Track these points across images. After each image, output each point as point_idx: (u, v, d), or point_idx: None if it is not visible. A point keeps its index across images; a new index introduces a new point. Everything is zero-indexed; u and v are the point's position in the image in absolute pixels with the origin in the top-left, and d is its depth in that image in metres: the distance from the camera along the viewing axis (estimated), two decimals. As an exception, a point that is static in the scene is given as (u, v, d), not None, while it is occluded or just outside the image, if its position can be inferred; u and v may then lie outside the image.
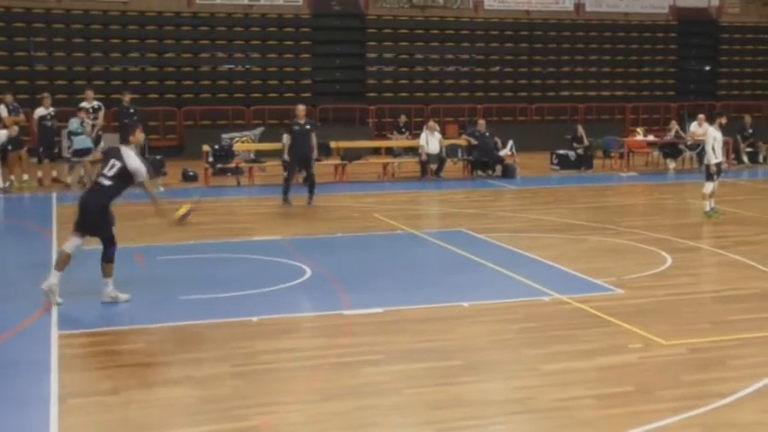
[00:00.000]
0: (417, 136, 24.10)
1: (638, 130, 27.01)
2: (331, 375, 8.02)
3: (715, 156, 16.40)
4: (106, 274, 10.32)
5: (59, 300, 10.08)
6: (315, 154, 18.76)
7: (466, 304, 10.34)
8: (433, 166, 22.97)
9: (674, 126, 25.72)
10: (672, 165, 24.85)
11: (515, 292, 10.98)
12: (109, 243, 10.28)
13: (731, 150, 25.97)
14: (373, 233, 15.18)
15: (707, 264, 13.06)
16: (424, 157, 22.95)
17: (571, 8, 31.92)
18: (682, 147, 24.92)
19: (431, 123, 23.90)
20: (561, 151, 25.04)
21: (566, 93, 31.68)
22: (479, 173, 23.67)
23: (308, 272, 11.89)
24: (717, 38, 33.70)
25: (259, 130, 25.81)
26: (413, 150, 24.09)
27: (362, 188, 21.09)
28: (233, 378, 7.96)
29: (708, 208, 16.50)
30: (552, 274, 11.87)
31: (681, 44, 33.25)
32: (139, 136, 10.60)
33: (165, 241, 13.95)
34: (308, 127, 18.77)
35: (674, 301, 10.64)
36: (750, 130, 26.27)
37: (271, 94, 29.08)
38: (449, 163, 23.48)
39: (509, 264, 12.41)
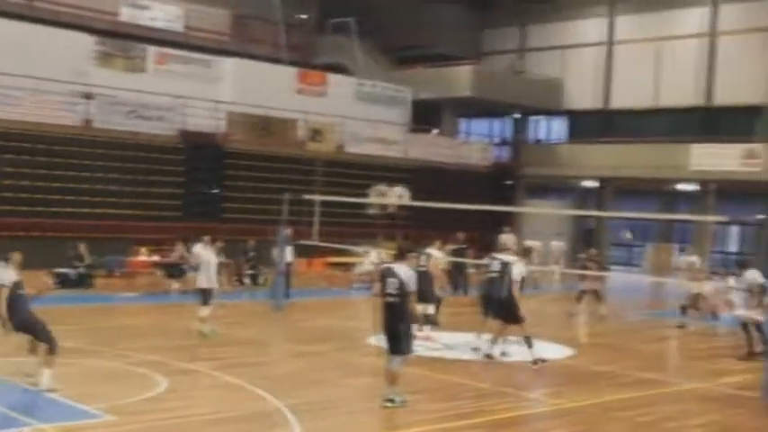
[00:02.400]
0: None
1: (143, 249, 27.05)
2: None
3: (208, 279, 16.90)
4: None
5: None
6: None
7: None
8: None
9: (179, 247, 26.11)
10: (175, 285, 25.11)
11: (-7, 422, 10.20)
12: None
13: (233, 273, 27.00)
14: None
15: (201, 386, 13.18)
16: None
17: (79, 123, 31.50)
18: (185, 267, 25.25)
19: None
20: (62, 269, 24.27)
21: (70, 209, 30.92)
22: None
23: None
24: (223, 163, 35.09)
25: None
26: None
27: None
28: None
29: (206, 330, 16.81)
30: (36, 402, 11.22)
31: (189, 167, 34.11)
32: None
33: None
34: None
35: (166, 426, 10.57)
36: (252, 253, 27.46)
37: None
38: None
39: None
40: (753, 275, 18.34)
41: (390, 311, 11.83)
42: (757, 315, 17.79)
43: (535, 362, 15.62)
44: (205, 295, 16.92)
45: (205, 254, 17.69)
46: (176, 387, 12.69)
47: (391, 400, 12.00)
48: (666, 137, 42.01)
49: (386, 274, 11.94)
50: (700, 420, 12.31)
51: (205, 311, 16.86)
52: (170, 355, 14.98)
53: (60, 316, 19.53)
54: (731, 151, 37.59)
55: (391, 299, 11.78)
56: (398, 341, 11.92)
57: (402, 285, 11.69)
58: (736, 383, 15.32)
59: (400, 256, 12.10)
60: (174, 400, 11.92)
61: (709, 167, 37.79)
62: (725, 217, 28.54)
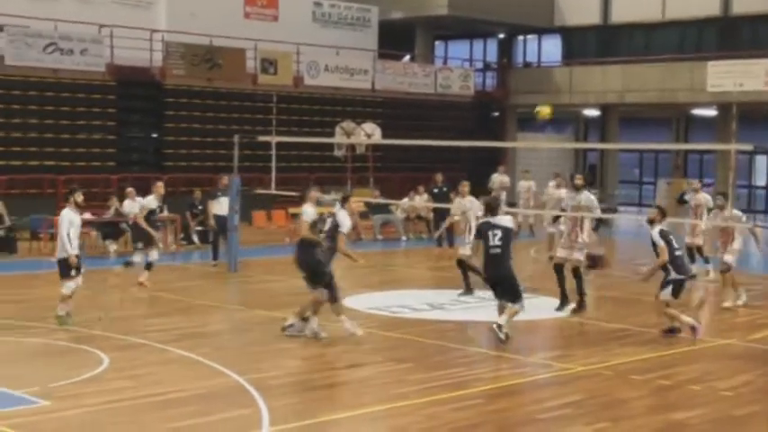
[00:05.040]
0: None
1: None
2: None
3: (71, 246, 14.95)
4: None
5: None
6: None
7: None
8: None
9: (114, 203, 25.76)
10: (113, 247, 24.92)
11: None
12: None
13: (179, 230, 26.81)
14: None
15: (149, 362, 13.09)
16: None
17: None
18: (124, 226, 24.93)
19: None
20: (-22, 234, 24.14)
21: (-18, 162, 30.66)
22: None
23: None
24: (161, 102, 34.73)
25: None
26: None
27: None
28: None
29: (60, 312, 15.25)
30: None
31: (121, 108, 33.73)
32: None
33: None
34: None
35: (111, 410, 10.57)
36: (200, 207, 27.27)
37: None
38: None
39: None
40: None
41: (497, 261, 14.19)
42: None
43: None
44: (61, 267, 15.24)
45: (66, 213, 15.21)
46: (120, 365, 12.66)
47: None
48: (679, 54, 42.02)
49: (486, 228, 14.30)
50: (730, 382, 12.42)
51: (71, 287, 15.24)
52: (111, 328, 14.90)
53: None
54: (755, 68, 37.65)
55: (497, 250, 14.10)
56: (515, 284, 14.26)
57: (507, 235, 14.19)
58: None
59: (492, 210, 14.48)
60: (118, 380, 11.89)
61: (730, 88, 37.86)
62: (749, 145, 28.60)
